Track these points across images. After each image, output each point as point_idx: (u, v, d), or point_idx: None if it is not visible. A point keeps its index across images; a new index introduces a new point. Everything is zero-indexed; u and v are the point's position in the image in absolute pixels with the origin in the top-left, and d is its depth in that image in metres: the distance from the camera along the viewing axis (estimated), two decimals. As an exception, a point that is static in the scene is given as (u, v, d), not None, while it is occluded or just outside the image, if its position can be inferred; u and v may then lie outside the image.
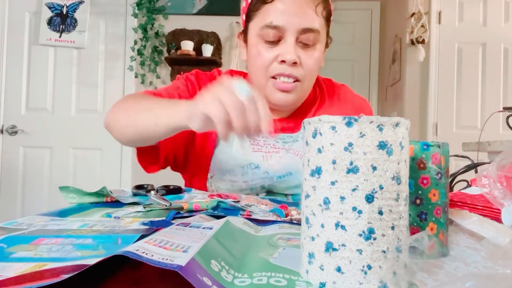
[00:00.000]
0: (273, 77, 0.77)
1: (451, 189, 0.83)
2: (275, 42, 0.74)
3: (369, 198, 0.28)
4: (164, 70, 2.66)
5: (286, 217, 0.55)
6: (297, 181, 0.83)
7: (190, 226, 0.42)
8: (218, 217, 0.52)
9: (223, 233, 0.40)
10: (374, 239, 0.28)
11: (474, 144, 1.55)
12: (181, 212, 0.55)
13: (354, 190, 0.28)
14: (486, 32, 2.67)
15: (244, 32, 0.82)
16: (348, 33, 3.34)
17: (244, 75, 0.92)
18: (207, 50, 2.56)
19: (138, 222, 0.47)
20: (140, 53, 2.57)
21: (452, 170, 0.77)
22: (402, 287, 0.28)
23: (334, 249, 0.29)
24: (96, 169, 2.66)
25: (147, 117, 0.64)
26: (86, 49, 2.65)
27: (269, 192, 0.84)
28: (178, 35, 2.64)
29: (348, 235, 0.28)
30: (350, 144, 0.29)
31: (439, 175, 0.38)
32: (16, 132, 2.63)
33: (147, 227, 0.44)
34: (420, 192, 0.38)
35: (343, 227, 0.28)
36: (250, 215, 0.55)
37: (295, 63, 0.74)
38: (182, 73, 2.80)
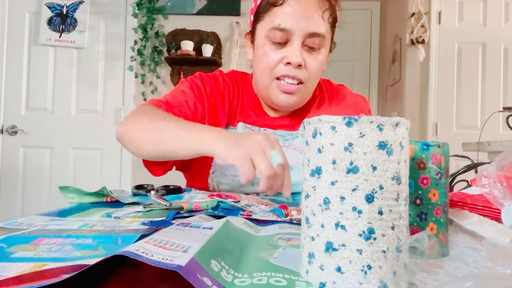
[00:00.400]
0: (278, 78, 0.78)
1: (451, 189, 0.83)
2: (282, 44, 0.76)
3: (369, 198, 0.28)
4: (164, 70, 2.66)
5: (286, 217, 0.55)
6: (297, 176, 0.84)
7: (190, 226, 0.42)
8: (218, 217, 0.52)
9: (223, 233, 0.40)
10: (374, 239, 0.28)
11: (474, 144, 1.55)
12: (181, 212, 0.55)
13: (354, 190, 0.28)
14: (486, 32, 2.67)
15: (252, 33, 0.84)
16: (348, 33, 3.34)
17: (246, 75, 0.93)
18: (207, 50, 2.56)
19: (138, 222, 0.47)
20: (140, 53, 2.57)
21: (452, 170, 0.77)
22: (402, 287, 0.28)
23: (334, 249, 0.29)
24: (96, 169, 2.66)
25: (173, 140, 0.64)
26: (86, 49, 2.65)
27: None
28: (178, 35, 2.64)
29: (348, 235, 0.28)
30: (350, 144, 0.29)
31: (439, 175, 0.38)
32: (16, 132, 2.63)
33: (147, 227, 0.44)
34: (420, 192, 0.38)
35: (343, 227, 0.28)
36: (250, 215, 0.55)
37: (300, 65, 0.76)
38: (182, 73, 2.79)
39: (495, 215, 0.51)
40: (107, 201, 0.64)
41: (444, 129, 2.69)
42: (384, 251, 0.28)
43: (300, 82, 0.78)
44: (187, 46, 2.54)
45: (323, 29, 0.76)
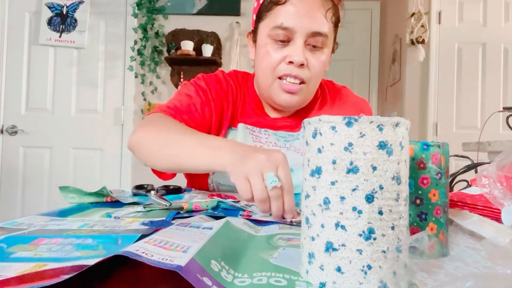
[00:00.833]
0: (280, 78, 0.78)
1: (451, 189, 0.83)
2: (284, 43, 0.76)
3: (369, 198, 0.28)
4: (164, 70, 2.66)
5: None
6: (297, 178, 0.84)
7: (190, 226, 0.42)
8: (218, 217, 0.52)
9: (223, 233, 0.40)
10: (374, 239, 0.28)
11: (474, 144, 1.55)
12: (181, 212, 0.55)
13: (354, 190, 0.28)
14: (486, 32, 2.67)
15: (254, 32, 0.83)
16: (348, 33, 3.34)
17: (247, 75, 0.92)
18: (207, 50, 2.56)
19: (138, 222, 0.47)
20: (140, 53, 2.57)
21: (452, 170, 0.77)
22: (402, 287, 0.28)
23: (334, 249, 0.29)
24: (96, 169, 2.66)
25: (187, 156, 0.63)
26: (86, 49, 2.65)
27: None
28: (178, 35, 2.64)
29: (348, 235, 0.28)
30: (350, 144, 0.29)
31: (439, 175, 0.38)
32: (16, 132, 2.63)
33: (147, 227, 0.44)
34: (420, 192, 0.38)
35: (343, 227, 0.28)
36: (250, 215, 0.55)
37: (302, 64, 0.75)
38: (182, 73, 2.78)
39: (495, 215, 0.51)
40: (107, 201, 0.64)
41: (444, 129, 2.69)
42: (384, 251, 0.28)
43: (302, 82, 0.77)
44: (187, 46, 2.54)
45: (326, 28, 0.75)
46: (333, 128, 0.29)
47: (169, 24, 2.66)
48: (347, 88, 0.97)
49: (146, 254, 0.28)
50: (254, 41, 0.83)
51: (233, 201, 0.63)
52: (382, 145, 0.28)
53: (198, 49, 2.58)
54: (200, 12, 2.67)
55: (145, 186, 0.75)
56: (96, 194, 0.64)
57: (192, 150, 0.62)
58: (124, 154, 2.64)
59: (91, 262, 0.29)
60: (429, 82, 2.71)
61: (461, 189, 0.70)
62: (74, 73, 2.66)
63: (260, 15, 0.79)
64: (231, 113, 0.86)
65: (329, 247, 0.29)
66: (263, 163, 0.51)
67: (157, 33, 2.64)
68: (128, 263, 0.32)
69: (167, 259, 0.27)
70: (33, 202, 2.63)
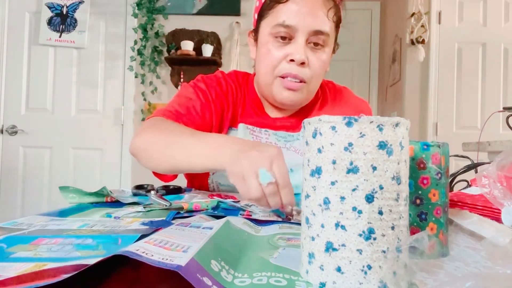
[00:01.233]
0: (281, 77, 0.78)
1: (451, 189, 0.83)
2: (286, 41, 0.76)
3: (369, 198, 0.28)
4: (164, 70, 2.66)
5: (286, 217, 0.55)
6: (297, 178, 0.83)
7: (190, 226, 0.42)
8: (218, 217, 0.52)
9: (223, 233, 0.40)
10: (374, 239, 0.28)
11: (474, 144, 1.55)
12: (181, 212, 0.55)
13: (354, 190, 0.28)
14: (486, 32, 2.67)
15: (255, 31, 0.83)
16: (348, 33, 3.34)
17: (247, 75, 0.92)
18: (207, 50, 2.56)
19: (138, 222, 0.47)
20: (140, 53, 2.57)
21: (452, 170, 0.77)
22: (402, 287, 0.28)
23: (334, 249, 0.29)
24: (96, 169, 2.66)
25: (188, 157, 0.63)
26: (86, 49, 2.65)
27: None
28: (178, 35, 2.64)
29: (348, 235, 0.28)
30: (350, 144, 0.29)
31: (439, 175, 0.38)
32: (16, 132, 2.63)
33: (147, 227, 0.44)
34: (420, 192, 0.38)
35: (343, 227, 0.28)
36: (250, 215, 0.55)
37: (303, 63, 0.75)
38: (182, 73, 2.78)
39: (495, 215, 0.51)
40: (107, 201, 0.64)
41: (444, 129, 2.69)
42: (384, 251, 0.28)
43: (302, 81, 0.77)
44: (187, 46, 2.54)
45: (327, 27, 0.75)
46: (333, 128, 0.29)
47: (169, 24, 2.66)
48: (348, 89, 0.96)
49: (146, 254, 0.28)
50: (255, 40, 0.83)
51: (233, 201, 0.63)
52: (382, 145, 0.28)
53: (198, 49, 2.58)
54: (200, 12, 2.67)
55: (145, 186, 0.75)
56: (96, 194, 0.64)
57: (192, 150, 0.62)
58: (124, 154, 2.64)
59: (91, 262, 0.29)
60: (429, 82, 2.71)
61: (461, 189, 0.70)
62: (74, 73, 2.66)
63: (262, 13, 0.79)
64: (231, 114, 0.85)
65: (329, 247, 0.29)
66: (257, 160, 0.49)
67: (157, 33, 2.64)
68: (128, 263, 0.32)
69: (167, 259, 0.27)
70: (33, 202, 2.63)
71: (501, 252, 0.28)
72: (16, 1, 2.64)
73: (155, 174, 0.79)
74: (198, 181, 0.87)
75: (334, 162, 0.29)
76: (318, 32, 0.75)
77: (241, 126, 0.85)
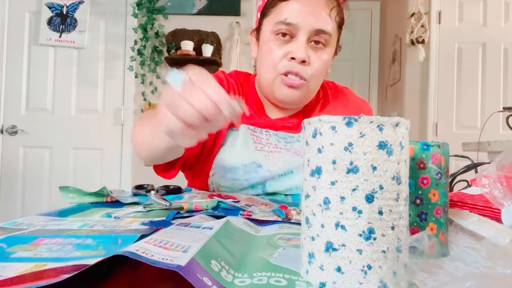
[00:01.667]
0: (282, 74, 0.77)
1: (451, 189, 0.83)
2: (287, 40, 0.76)
3: (369, 198, 0.28)
4: (164, 70, 2.66)
5: (286, 217, 0.55)
6: (297, 180, 0.83)
7: (190, 226, 0.42)
8: (218, 217, 0.52)
9: (223, 233, 0.40)
10: (374, 239, 0.28)
11: (474, 144, 1.55)
12: (181, 212, 0.55)
13: (354, 190, 0.28)
14: (486, 32, 2.67)
15: (257, 30, 0.83)
16: (348, 33, 3.34)
17: (248, 75, 0.92)
18: (207, 50, 2.56)
19: (138, 222, 0.47)
20: (140, 53, 2.57)
21: (452, 170, 0.77)
22: (402, 287, 0.28)
23: (334, 249, 0.29)
24: (96, 169, 2.66)
25: (152, 137, 0.60)
26: (86, 49, 2.65)
27: (269, 194, 0.84)
28: (178, 35, 2.64)
29: (348, 235, 0.28)
30: (350, 144, 0.29)
31: (439, 175, 0.38)
32: (16, 132, 2.63)
33: (147, 227, 0.44)
34: (420, 192, 0.38)
35: (343, 227, 0.28)
36: (250, 215, 0.55)
37: (304, 61, 0.75)
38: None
39: (495, 215, 0.51)
40: (107, 201, 0.64)
41: (444, 129, 2.70)
42: (384, 251, 0.28)
43: (303, 79, 0.77)
44: (187, 46, 2.54)
45: (329, 27, 0.75)
46: (333, 128, 0.29)
47: (169, 24, 2.66)
48: (349, 89, 0.96)
49: (146, 254, 0.28)
50: (257, 39, 0.83)
51: (233, 201, 0.63)
52: (382, 145, 0.28)
53: (198, 49, 2.58)
54: (200, 12, 2.67)
55: (145, 186, 0.75)
56: (96, 194, 0.64)
57: (153, 129, 0.59)
58: (124, 154, 2.64)
59: (91, 262, 0.29)
60: (429, 82, 2.71)
61: (461, 189, 0.70)
62: (74, 73, 2.66)
63: (265, 11, 0.79)
64: None
65: (329, 247, 0.29)
66: (166, 96, 0.40)
67: (157, 33, 2.64)
68: (128, 263, 0.32)
69: (167, 259, 0.27)
70: (33, 202, 2.63)
71: (501, 252, 0.28)
72: (16, 1, 2.64)
73: (158, 172, 0.79)
74: (198, 182, 0.87)
75: (334, 162, 0.29)
76: (319, 31, 0.74)
77: (242, 127, 0.85)
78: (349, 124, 0.29)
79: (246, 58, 2.59)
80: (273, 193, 0.84)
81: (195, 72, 0.41)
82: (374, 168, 0.28)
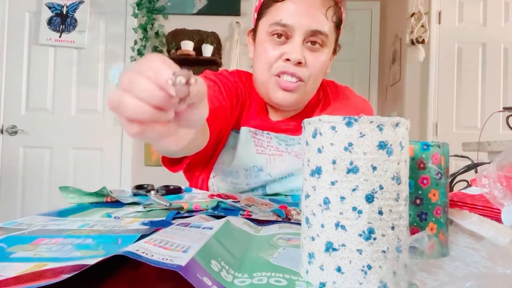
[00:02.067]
0: (277, 76, 0.76)
1: (451, 189, 0.83)
2: (283, 40, 0.75)
3: (369, 198, 0.28)
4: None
5: (286, 217, 0.55)
6: (298, 183, 0.83)
7: (190, 226, 0.42)
8: (218, 217, 0.52)
9: (223, 233, 0.40)
10: (374, 239, 0.28)
11: (474, 144, 1.55)
12: (181, 212, 0.55)
13: (354, 190, 0.28)
14: (486, 32, 2.67)
15: (254, 30, 0.82)
16: (348, 33, 3.34)
17: (250, 75, 0.91)
18: (207, 50, 2.56)
19: (138, 222, 0.47)
20: (140, 53, 2.57)
21: (452, 170, 0.77)
22: (402, 287, 0.28)
23: (334, 249, 0.29)
24: (96, 169, 2.66)
25: None
26: (86, 49, 2.65)
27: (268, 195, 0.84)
28: (178, 35, 2.64)
29: (348, 235, 0.28)
30: (350, 144, 0.29)
31: (439, 175, 0.38)
32: (16, 132, 2.63)
33: (147, 227, 0.44)
34: (420, 192, 0.38)
35: (343, 227, 0.28)
36: (250, 215, 0.55)
37: (300, 63, 0.74)
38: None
39: (495, 215, 0.51)
40: (107, 201, 0.64)
41: (444, 129, 2.69)
42: (384, 251, 0.28)
43: (300, 80, 0.76)
44: (187, 46, 2.54)
45: (326, 27, 0.74)
46: (333, 128, 0.29)
47: (169, 24, 2.66)
48: (349, 89, 0.95)
49: (146, 254, 0.28)
50: (254, 39, 0.82)
51: (233, 201, 0.63)
52: (382, 145, 0.28)
53: (198, 49, 2.58)
54: (200, 12, 2.67)
55: (145, 186, 0.75)
56: (96, 194, 0.64)
57: None
58: (124, 154, 2.64)
59: (91, 262, 0.29)
60: (429, 82, 2.71)
61: (461, 189, 0.70)
62: (74, 73, 2.66)
63: (261, 12, 0.78)
64: (237, 114, 0.83)
65: (329, 247, 0.29)
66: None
67: (157, 33, 2.64)
68: (128, 263, 0.32)
69: (167, 259, 0.27)
70: (33, 202, 2.63)
71: (501, 252, 0.28)
72: (16, 1, 2.64)
73: (165, 165, 0.72)
74: (199, 184, 0.87)
75: (334, 162, 0.29)
76: (315, 32, 0.73)
77: (243, 129, 0.83)
78: (349, 124, 0.29)
79: (246, 58, 2.59)
80: (274, 194, 0.83)
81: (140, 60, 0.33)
82: (374, 168, 0.28)
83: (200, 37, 2.63)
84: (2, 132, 2.64)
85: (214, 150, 0.83)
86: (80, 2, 2.64)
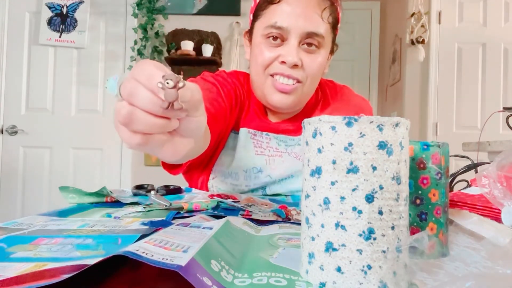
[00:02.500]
0: (272, 76, 0.76)
1: (451, 189, 0.83)
2: (278, 43, 0.74)
3: (369, 198, 0.28)
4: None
5: (286, 217, 0.55)
6: (298, 184, 0.83)
7: (190, 226, 0.42)
8: (218, 217, 0.52)
9: (223, 233, 0.40)
10: (374, 239, 0.28)
11: (474, 144, 1.55)
12: (181, 212, 0.55)
13: (354, 190, 0.28)
14: (486, 32, 2.67)
15: (250, 32, 0.82)
16: (348, 33, 3.34)
17: (248, 75, 0.91)
18: (207, 50, 2.56)
19: (138, 222, 0.47)
20: (140, 53, 2.57)
21: (452, 170, 0.77)
22: (402, 287, 0.28)
23: (334, 249, 0.29)
24: (96, 169, 2.66)
25: None
26: (86, 49, 2.65)
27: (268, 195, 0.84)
28: (178, 35, 2.64)
29: (348, 235, 0.28)
30: (350, 144, 0.29)
31: (439, 175, 0.38)
32: (16, 132, 2.63)
33: (147, 227, 0.44)
34: (420, 192, 0.38)
35: (343, 227, 0.28)
36: (250, 215, 0.55)
37: (296, 65, 0.73)
38: (182, 73, 2.79)
39: (495, 215, 0.51)
40: (107, 201, 0.64)
41: (444, 129, 2.69)
42: (384, 251, 0.28)
43: (298, 81, 0.75)
44: (187, 46, 2.54)
45: (322, 29, 0.73)
46: (333, 128, 0.29)
47: (169, 24, 2.66)
48: (348, 88, 0.94)
49: (146, 254, 0.28)
50: (250, 40, 0.81)
51: (233, 201, 0.63)
52: (382, 145, 0.28)
53: (198, 49, 2.58)
54: (200, 12, 2.67)
55: (145, 186, 0.75)
56: (96, 194, 0.64)
57: None
58: (124, 154, 2.64)
59: (91, 262, 0.29)
60: (429, 82, 2.71)
61: (461, 189, 0.70)
62: (74, 73, 2.66)
63: (256, 14, 0.78)
64: (236, 115, 0.83)
65: (329, 247, 0.29)
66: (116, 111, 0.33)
67: (157, 33, 2.64)
68: (128, 263, 0.32)
69: (167, 259, 0.27)
70: (33, 202, 2.63)
71: (501, 252, 0.28)
72: (16, 1, 2.64)
73: (165, 167, 0.74)
74: (199, 185, 0.87)
75: (334, 162, 0.29)
76: (311, 34, 0.72)
77: (242, 130, 0.83)
78: (349, 124, 0.29)
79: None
80: (274, 194, 0.83)
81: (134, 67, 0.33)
82: (374, 168, 0.28)
83: (200, 37, 2.63)
84: (2, 132, 2.64)
85: (213, 152, 0.83)
86: (80, 2, 2.64)
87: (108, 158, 2.66)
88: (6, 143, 2.64)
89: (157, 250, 0.30)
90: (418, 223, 0.38)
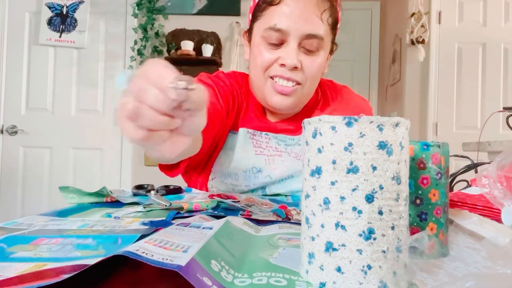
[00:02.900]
0: (272, 78, 0.75)
1: (451, 189, 0.83)
2: (278, 44, 0.74)
3: (369, 198, 0.28)
4: (164, 70, 2.66)
5: (286, 217, 0.55)
6: (298, 185, 0.83)
7: (190, 226, 0.42)
8: (218, 217, 0.52)
9: (223, 233, 0.40)
10: (374, 239, 0.28)
11: (474, 144, 1.55)
12: (181, 212, 0.55)
13: (354, 190, 0.28)
14: (486, 32, 2.67)
15: (249, 32, 0.81)
16: (348, 33, 3.34)
17: (246, 76, 0.91)
18: (207, 50, 2.56)
19: (138, 222, 0.47)
20: (140, 53, 2.57)
21: (452, 170, 0.77)
22: (402, 287, 0.28)
23: (334, 249, 0.29)
24: (96, 169, 2.66)
25: None
26: (86, 49, 2.65)
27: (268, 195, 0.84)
28: (178, 35, 2.64)
29: (348, 235, 0.28)
30: (350, 144, 0.29)
31: (439, 175, 0.38)
32: (16, 132, 2.63)
33: (147, 227, 0.44)
34: (420, 192, 0.38)
35: (343, 227, 0.28)
36: (250, 215, 0.55)
37: (295, 68, 0.73)
38: (182, 73, 2.82)
39: (495, 215, 0.51)
40: (107, 201, 0.64)
41: (444, 129, 2.69)
42: (384, 251, 0.28)
43: (298, 83, 0.75)
44: (187, 46, 2.54)
45: (321, 30, 0.73)
46: (333, 128, 0.29)
47: (169, 24, 2.66)
48: (348, 88, 0.94)
49: (146, 254, 0.28)
50: (249, 41, 0.81)
51: (233, 201, 0.63)
52: (382, 145, 0.28)
53: (198, 49, 2.58)
54: (200, 12, 2.67)
55: (145, 186, 0.75)
56: (96, 194, 0.64)
57: None
58: (124, 154, 2.64)
59: (91, 262, 0.29)
60: (429, 82, 2.71)
61: (461, 189, 0.70)
62: (74, 73, 2.66)
63: (255, 14, 0.77)
64: (234, 117, 0.83)
65: (329, 247, 0.29)
66: (122, 105, 0.33)
67: (157, 33, 2.64)
68: (128, 263, 0.32)
69: (167, 259, 0.27)
70: (33, 202, 2.63)
71: (501, 252, 0.28)
72: (16, 1, 2.64)
73: (162, 170, 0.73)
74: (198, 186, 0.87)
75: (334, 162, 0.29)
76: (311, 36, 0.72)
77: (241, 130, 0.83)
78: (349, 124, 0.29)
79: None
80: (274, 194, 0.83)
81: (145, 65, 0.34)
82: (374, 168, 0.28)
83: (200, 37, 2.63)
84: (2, 132, 2.64)
85: (211, 153, 0.83)
86: (80, 2, 2.64)
87: (108, 158, 2.66)
88: (6, 143, 2.64)
89: (157, 250, 0.30)
90: (418, 223, 0.38)
